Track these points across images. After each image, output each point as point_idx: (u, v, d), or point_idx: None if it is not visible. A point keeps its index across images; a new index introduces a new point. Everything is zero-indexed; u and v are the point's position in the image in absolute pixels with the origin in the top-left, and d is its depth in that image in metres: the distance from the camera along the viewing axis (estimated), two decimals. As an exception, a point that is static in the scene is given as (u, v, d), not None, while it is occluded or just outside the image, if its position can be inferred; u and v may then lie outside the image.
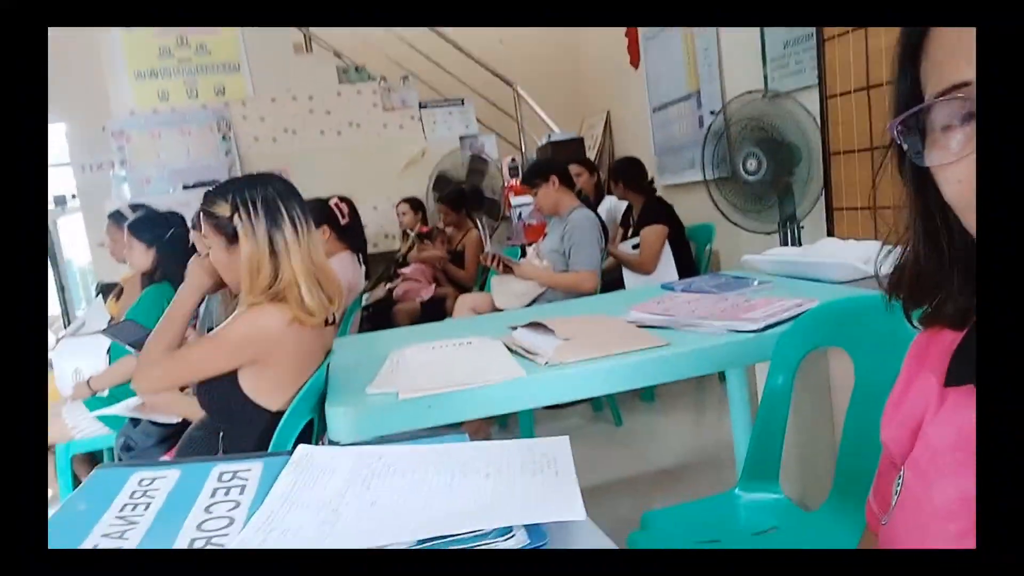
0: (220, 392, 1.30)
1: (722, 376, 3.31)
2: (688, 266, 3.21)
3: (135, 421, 1.72)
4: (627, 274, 3.21)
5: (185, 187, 4.53)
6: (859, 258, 1.74)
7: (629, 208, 3.56)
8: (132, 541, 0.60)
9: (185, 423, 1.64)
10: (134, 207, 2.92)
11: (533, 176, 2.94)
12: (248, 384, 1.32)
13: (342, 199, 2.84)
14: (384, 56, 5.35)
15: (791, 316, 1.38)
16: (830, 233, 2.76)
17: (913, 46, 0.56)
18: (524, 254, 3.30)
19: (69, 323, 7.04)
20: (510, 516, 0.56)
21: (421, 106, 5.19)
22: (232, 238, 1.33)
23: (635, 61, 5.37)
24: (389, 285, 4.14)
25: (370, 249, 4.73)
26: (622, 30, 5.42)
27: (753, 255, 2.11)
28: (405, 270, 4.13)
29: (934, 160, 0.52)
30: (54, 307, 7.57)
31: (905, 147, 0.55)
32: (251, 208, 1.32)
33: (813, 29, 3.30)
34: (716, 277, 1.96)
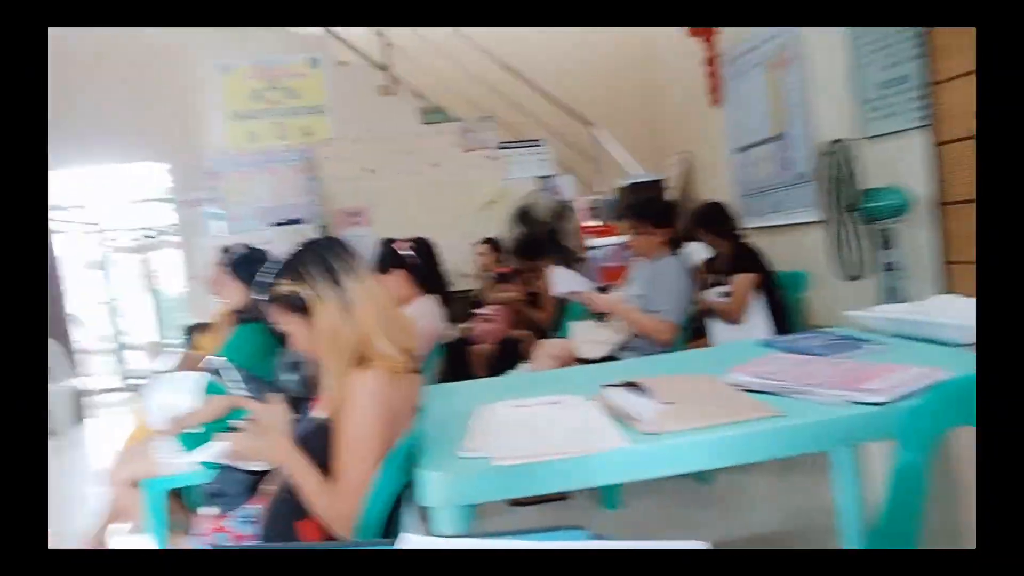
0: (316, 454, 1.28)
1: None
2: (780, 316, 3.06)
3: (224, 467, 1.73)
4: (713, 323, 3.08)
5: (271, 225, 4.68)
6: (984, 319, 1.59)
7: (716, 254, 3.44)
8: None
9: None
10: (246, 248, 3.00)
11: (645, 217, 2.82)
12: None
13: (414, 240, 2.82)
14: (464, 98, 5.44)
15: (921, 388, 1.26)
16: (947, 288, 2.57)
17: None
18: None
19: (162, 350, 7.37)
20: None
21: (499, 147, 5.24)
22: (305, 311, 1.31)
23: (716, 100, 5.28)
24: (464, 326, 4.13)
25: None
26: (701, 70, 5.34)
27: (857, 311, 1.97)
28: (482, 310, 4.11)
29: None
30: (147, 334, 7.95)
31: None
32: (309, 273, 1.31)
33: (910, 71, 3.13)
34: (822, 335, 1.84)
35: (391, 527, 1.33)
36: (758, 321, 2.99)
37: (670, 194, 5.66)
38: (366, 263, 1.40)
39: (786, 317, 3.11)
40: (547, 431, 1.34)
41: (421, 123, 5.19)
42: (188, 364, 2.97)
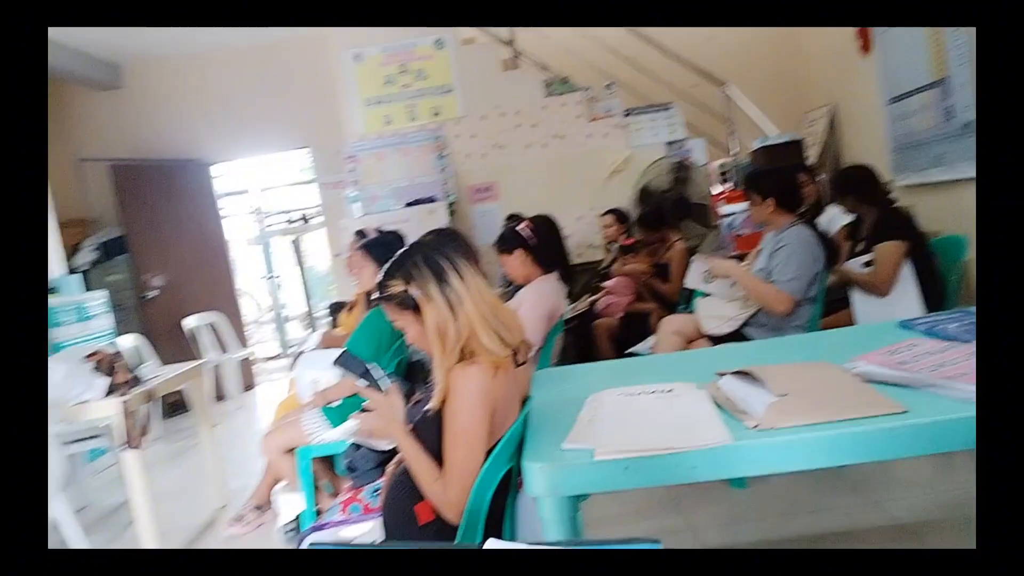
0: (428, 442, 1.36)
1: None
2: (933, 287, 2.79)
3: (356, 444, 1.87)
4: (857, 296, 2.87)
5: (407, 204, 4.89)
6: None
7: (858, 220, 3.19)
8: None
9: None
10: (378, 232, 3.19)
11: (751, 188, 2.73)
12: None
13: (535, 218, 2.85)
14: (589, 66, 5.35)
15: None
16: None
17: None
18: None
19: (313, 322, 8.00)
20: None
21: (626, 113, 5.11)
22: (416, 309, 1.38)
23: (866, 47, 4.82)
24: (591, 298, 4.13)
25: (574, 260, 4.77)
26: (850, 14, 4.89)
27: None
28: (607, 283, 4.09)
29: None
30: (301, 306, 8.66)
31: None
32: (417, 273, 1.37)
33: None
34: (968, 316, 1.67)
35: (501, 513, 1.40)
36: (907, 294, 2.75)
37: (812, 152, 5.29)
38: (474, 258, 1.45)
39: (941, 289, 2.83)
40: (652, 424, 1.33)
41: (546, 95, 5.17)
42: (330, 342, 3.22)
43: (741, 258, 3.49)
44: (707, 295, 2.86)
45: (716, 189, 4.83)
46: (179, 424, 5.08)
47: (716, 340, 2.68)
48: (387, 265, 1.44)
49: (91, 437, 3.36)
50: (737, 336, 2.63)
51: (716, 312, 2.74)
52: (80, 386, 2.55)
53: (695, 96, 5.38)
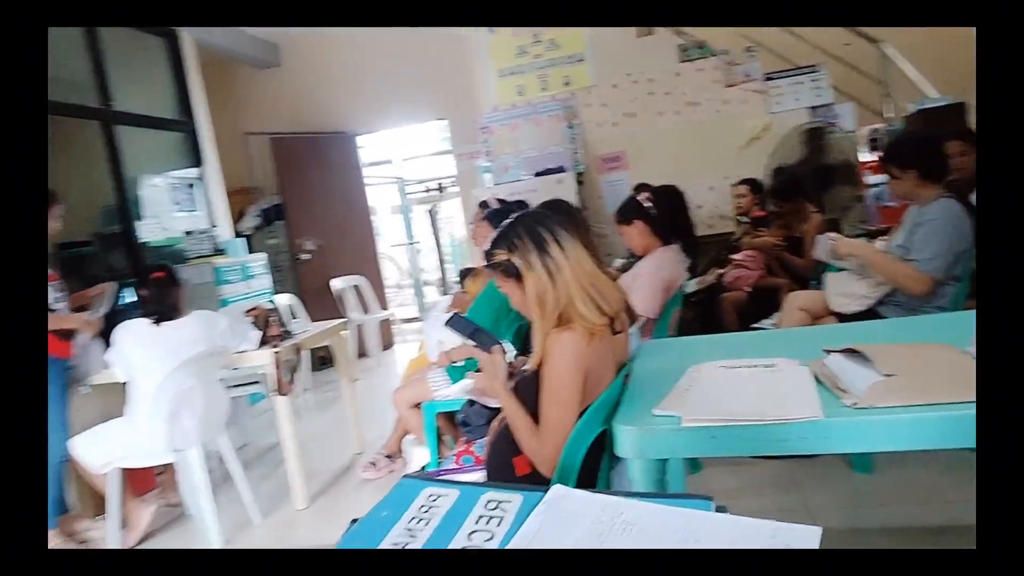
0: (528, 399, 1.46)
1: None
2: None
3: (471, 401, 2.01)
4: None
5: (536, 175, 4.98)
6: None
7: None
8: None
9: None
10: (500, 202, 3.32)
11: (889, 160, 2.55)
12: None
13: (658, 189, 2.84)
14: (729, 29, 5.13)
15: None
16: None
17: None
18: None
19: (447, 287, 8.38)
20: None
21: (767, 78, 4.87)
22: (519, 277, 1.46)
23: (1055, -6, 4.25)
24: (720, 271, 4.03)
25: (704, 231, 4.66)
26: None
27: None
28: (736, 256, 3.97)
29: None
30: (435, 273, 9.06)
31: None
32: (520, 243, 1.45)
33: None
34: None
35: (596, 469, 1.47)
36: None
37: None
38: (579, 230, 1.51)
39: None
40: (744, 395, 1.34)
41: (680, 61, 5.03)
42: (458, 304, 3.40)
43: (884, 232, 3.28)
44: (840, 270, 2.73)
45: (864, 157, 4.51)
46: (326, 377, 5.56)
47: (845, 318, 2.56)
48: (492, 236, 1.53)
49: (251, 383, 3.80)
50: (869, 315, 2.50)
51: (846, 289, 2.61)
52: (238, 338, 2.90)
53: (847, 56, 5.02)
